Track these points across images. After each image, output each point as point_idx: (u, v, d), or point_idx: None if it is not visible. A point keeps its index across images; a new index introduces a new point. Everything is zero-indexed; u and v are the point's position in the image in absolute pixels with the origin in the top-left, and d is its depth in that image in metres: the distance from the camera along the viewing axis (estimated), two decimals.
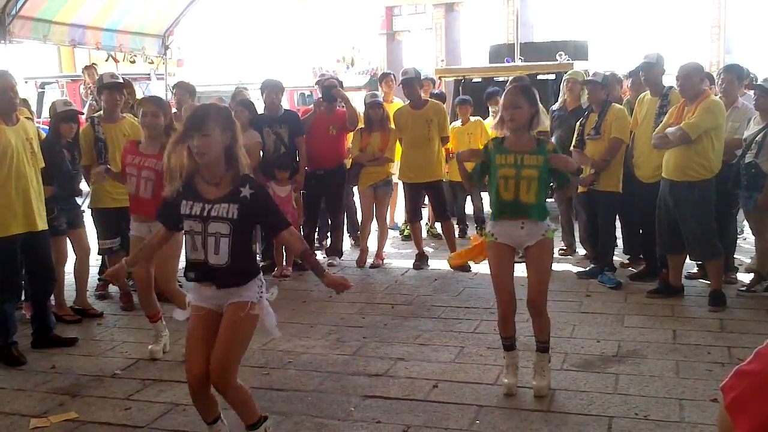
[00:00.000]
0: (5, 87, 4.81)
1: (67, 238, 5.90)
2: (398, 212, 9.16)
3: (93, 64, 10.20)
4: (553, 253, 4.33)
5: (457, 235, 7.87)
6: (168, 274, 4.79)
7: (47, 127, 6.22)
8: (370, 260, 7.47)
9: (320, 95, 7.58)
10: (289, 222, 3.38)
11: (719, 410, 1.34)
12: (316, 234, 7.92)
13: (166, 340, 4.98)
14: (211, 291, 3.25)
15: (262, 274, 3.42)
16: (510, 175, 4.07)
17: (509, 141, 4.16)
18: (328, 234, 7.93)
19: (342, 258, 7.69)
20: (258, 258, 6.90)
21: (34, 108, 10.10)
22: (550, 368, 4.27)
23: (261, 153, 7.08)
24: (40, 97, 14.52)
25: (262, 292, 3.31)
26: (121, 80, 6.43)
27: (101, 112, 6.26)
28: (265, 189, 3.32)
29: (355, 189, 7.75)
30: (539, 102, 4.18)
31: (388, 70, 10.01)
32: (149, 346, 4.93)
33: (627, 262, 6.98)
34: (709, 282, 5.86)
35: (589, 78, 6.74)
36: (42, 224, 5.01)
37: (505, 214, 4.12)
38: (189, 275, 3.31)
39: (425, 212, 8.36)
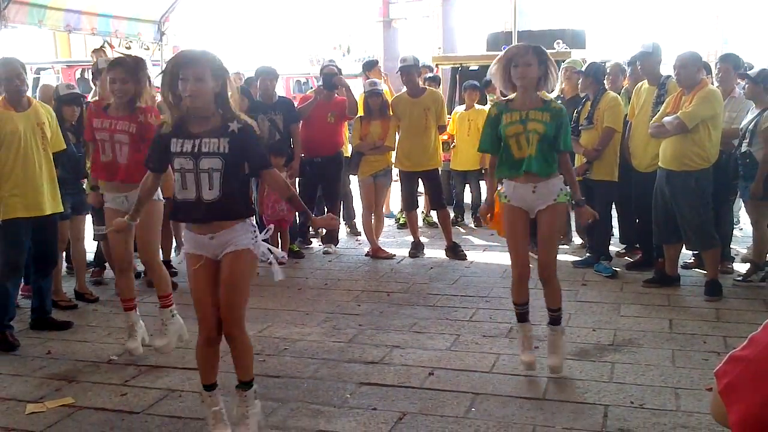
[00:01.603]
0: (12, 74, 4.82)
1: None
2: (394, 200, 9.15)
3: (102, 47, 10.07)
4: (565, 216, 4.23)
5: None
6: (151, 245, 4.62)
7: None
8: (366, 248, 7.46)
9: (320, 82, 7.54)
10: (271, 163, 3.40)
11: (713, 395, 1.34)
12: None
13: (144, 333, 4.74)
14: (208, 240, 3.29)
15: (254, 218, 3.44)
16: (519, 131, 4.04)
17: (516, 102, 4.13)
18: None
19: (338, 245, 7.68)
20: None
21: (29, 93, 10.03)
22: (564, 342, 4.27)
23: None
24: (36, 82, 14.44)
25: (255, 237, 3.33)
26: None
27: (96, 97, 6.22)
28: (252, 127, 3.30)
29: (353, 178, 7.71)
30: (550, 65, 4.09)
31: (377, 57, 9.95)
32: (125, 344, 4.68)
33: (623, 251, 6.99)
34: (705, 272, 5.87)
35: (578, 69, 6.76)
36: (51, 208, 5.02)
37: (516, 172, 4.07)
38: (179, 216, 3.35)
39: (421, 200, 8.34)
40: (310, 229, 7.85)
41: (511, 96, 4.22)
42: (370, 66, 8.86)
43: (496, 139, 4.17)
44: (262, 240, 3.38)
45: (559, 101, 7.24)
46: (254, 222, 3.40)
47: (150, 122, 4.61)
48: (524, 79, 4.02)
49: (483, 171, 8.00)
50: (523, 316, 4.29)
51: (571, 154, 4.56)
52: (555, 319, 4.25)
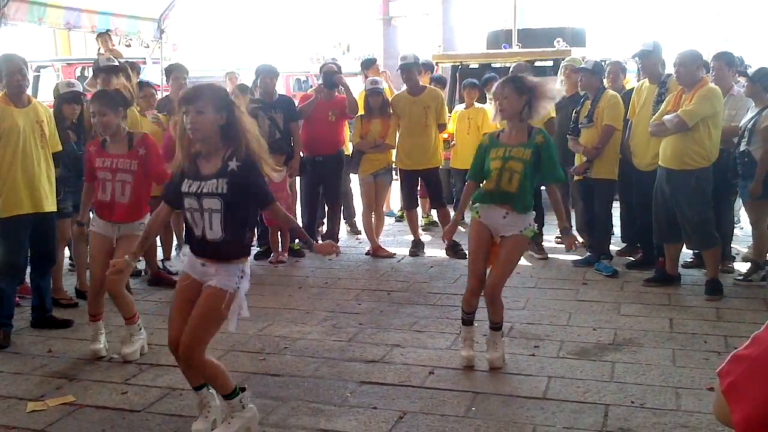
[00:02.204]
0: (13, 70, 4.82)
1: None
2: (393, 199, 9.15)
3: (108, 30, 10.04)
4: (523, 252, 4.48)
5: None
6: (122, 274, 4.45)
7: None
8: (366, 247, 7.46)
9: (320, 81, 7.53)
10: (273, 198, 3.45)
11: (715, 395, 1.33)
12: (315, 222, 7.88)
13: (144, 342, 4.74)
14: (200, 266, 3.37)
15: (248, 263, 3.47)
16: (497, 167, 4.23)
17: (504, 134, 4.32)
18: (324, 221, 7.91)
19: (338, 244, 7.66)
20: (254, 244, 6.88)
21: (29, 91, 10.04)
22: (503, 342, 4.44)
23: None
24: (36, 80, 14.44)
25: (240, 282, 3.37)
26: (116, 63, 6.38)
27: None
28: (253, 163, 3.32)
29: (354, 176, 7.70)
30: (535, 89, 4.19)
31: (377, 56, 9.93)
32: (90, 346, 4.70)
33: (624, 250, 6.98)
34: (705, 271, 5.87)
35: (581, 66, 6.73)
36: (49, 206, 5.02)
37: (490, 201, 4.27)
38: (191, 246, 3.45)
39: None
40: (319, 229, 7.83)
41: (501, 128, 4.40)
42: (368, 64, 8.86)
43: (482, 170, 4.35)
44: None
45: (560, 100, 7.27)
46: (245, 268, 3.42)
47: (152, 155, 4.62)
48: (503, 112, 4.22)
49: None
50: (468, 321, 4.48)
51: (563, 183, 4.73)
52: (496, 328, 4.39)
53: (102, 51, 9.78)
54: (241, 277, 3.37)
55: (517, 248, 4.30)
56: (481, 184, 4.40)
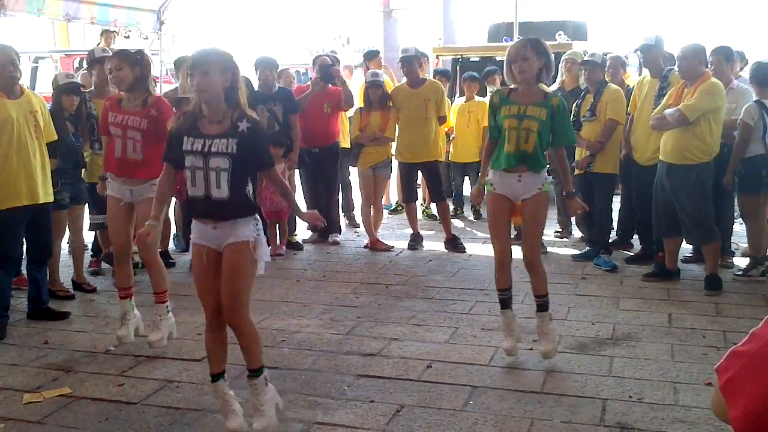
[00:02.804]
0: (5, 61, 4.80)
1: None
2: (393, 192, 9.13)
3: (114, 30, 10.01)
4: (548, 207, 4.38)
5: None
6: (151, 243, 4.46)
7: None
8: (364, 240, 7.45)
9: (317, 74, 7.50)
10: (273, 163, 3.48)
11: (714, 391, 1.32)
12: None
13: (138, 322, 4.74)
14: (211, 230, 3.36)
15: (258, 214, 3.49)
16: (513, 126, 4.12)
17: (516, 93, 4.21)
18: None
19: (339, 236, 7.67)
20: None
21: (27, 83, 10.01)
22: (553, 330, 4.33)
23: None
24: (34, 71, 14.39)
25: (258, 231, 3.41)
26: (112, 54, 6.32)
27: (92, 88, 6.18)
28: (262, 126, 3.39)
29: (353, 169, 7.68)
30: (550, 54, 4.15)
31: (377, 48, 9.87)
32: (117, 332, 4.66)
33: (616, 243, 6.94)
34: (705, 266, 5.85)
35: (587, 58, 6.69)
36: (45, 197, 5.01)
37: (507, 164, 4.15)
38: (195, 212, 3.45)
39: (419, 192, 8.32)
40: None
41: (514, 86, 4.26)
42: (370, 56, 8.83)
43: (498, 128, 4.26)
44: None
45: (560, 93, 7.25)
46: (257, 217, 3.45)
47: (163, 115, 4.60)
48: (523, 74, 4.11)
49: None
50: (505, 303, 4.39)
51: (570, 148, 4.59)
52: (542, 305, 4.31)
53: (101, 47, 9.74)
54: (257, 225, 3.41)
55: (541, 206, 4.23)
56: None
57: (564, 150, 4.34)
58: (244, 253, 3.34)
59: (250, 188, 3.39)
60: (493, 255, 4.43)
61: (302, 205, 7.75)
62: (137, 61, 4.60)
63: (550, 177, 4.32)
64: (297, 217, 3.66)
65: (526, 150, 4.11)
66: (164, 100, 4.80)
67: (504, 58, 4.23)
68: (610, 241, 6.68)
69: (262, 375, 3.46)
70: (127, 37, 11.08)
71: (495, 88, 7.53)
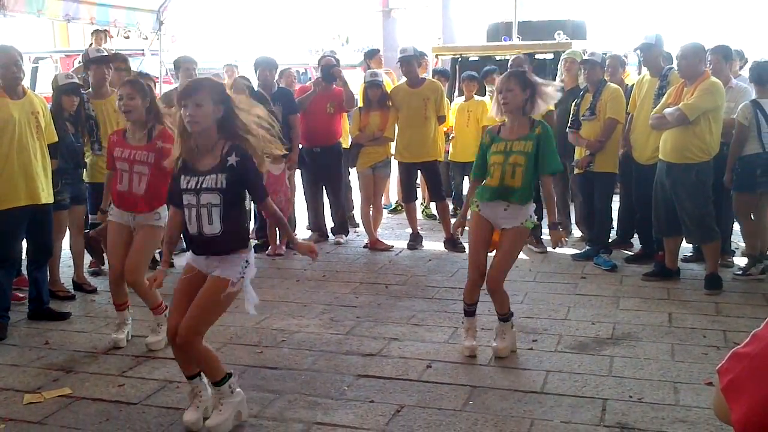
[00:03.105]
0: (9, 61, 4.81)
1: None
2: (392, 192, 9.13)
3: (106, 29, 9.99)
4: (524, 243, 4.48)
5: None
6: (140, 267, 4.56)
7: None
8: (364, 240, 7.45)
9: (318, 74, 7.50)
10: (266, 195, 3.48)
11: (715, 393, 1.32)
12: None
13: (130, 329, 4.81)
14: (202, 258, 3.42)
15: (251, 252, 3.52)
16: (498, 162, 4.24)
17: (505, 129, 4.32)
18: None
19: (348, 234, 7.70)
20: (251, 237, 6.86)
21: (27, 83, 9.99)
22: (513, 332, 4.46)
23: None
24: (34, 72, 14.38)
25: (245, 272, 3.42)
26: (107, 54, 6.32)
27: (90, 89, 6.17)
28: (251, 159, 3.37)
29: (352, 169, 7.67)
30: (537, 85, 4.24)
31: (377, 47, 9.86)
32: (112, 335, 4.76)
33: (613, 242, 6.95)
34: (705, 265, 5.85)
35: (587, 57, 6.69)
36: (45, 198, 5.02)
37: (491, 197, 4.27)
38: (190, 246, 3.51)
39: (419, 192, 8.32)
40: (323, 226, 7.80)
41: (503, 121, 4.38)
42: (371, 55, 8.82)
43: (485, 168, 4.36)
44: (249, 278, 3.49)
45: (559, 92, 7.24)
46: (249, 257, 3.47)
47: (167, 147, 4.58)
48: (507, 104, 4.22)
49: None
50: (470, 313, 4.49)
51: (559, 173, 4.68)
52: (504, 319, 4.43)
53: (93, 47, 9.73)
54: (246, 267, 3.43)
55: (518, 240, 4.31)
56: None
57: (550, 178, 4.38)
58: (219, 289, 3.36)
59: (243, 222, 3.45)
60: (491, 255, 4.41)
61: (302, 205, 7.79)
62: (148, 92, 4.64)
63: (534, 216, 4.39)
64: (292, 245, 3.65)
65: (512, 185, 4.19)
66: (168, 132, 4.75)
67: (502, 58, 4.32)
68: (609, 240, 6.68)
69: (225, 384, 3.51)
70: (127, 37, 11.08)
71: (493, 87, 7.56)
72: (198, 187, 3.29)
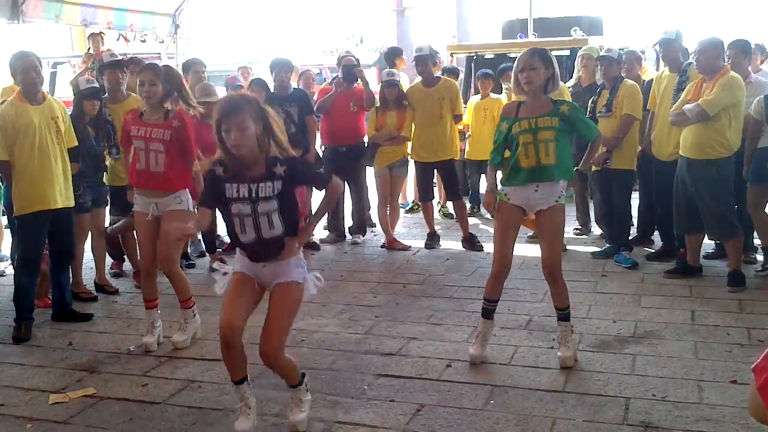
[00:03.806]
0: (28, 67, 4.86)
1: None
2: (408, 191, 9.12)
3: (101, 32, 10.06)
4: (565, 218, 4.30)
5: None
6: (172, 256, 4.68)
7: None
8: (381, 240, 7.45)
9: (339, 74, 7.50)
10: (330, 175, 3.45)
11: (750, 391, 1.30)
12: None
13: (160, 331, 4.81)
14: (261, 268, 3.36)
15: (300, 252, 3.48)
16: (528, 141, 4.10)
17: (525, 108, 4.18)
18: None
19: (366, 234, 7.71)
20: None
21: (46, 87, 10.08)
22: (574, 338, 4.33)
23: None
24: (53, 77, 14.52)
25: (304, 272, 3.41)
26: (120, 58, 6.36)
27: (105, 94, 6.22)
28: (294, 158, 3.37)
29: (369, 169, 7.67)
30: (555, 65, 4.17)
31: (388, 47, 9.83)
32: (143, 338, 4.76)
33: (634, 240, 6.90)
34: (727, 262, 5.79)
35: (603, 54, 6.65)
36: (64, 202, 5.06)
37: (527, 180, 4.13)
38: (246, 252, 3.40)
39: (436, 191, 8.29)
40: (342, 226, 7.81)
41: (522, 99, 4.26)
42: (396, 53, 8.69)
43: (504, 152, 4.28)
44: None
45: (576, 89, 7.21)
46: (301, 256, 3.46)
47: (186, 126, 4.65)
48: (531, 84, 4.10)
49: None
50: (488, 313, 4.36)
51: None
52: (564, 317, 4.28)
53: (92, 50, 9.80)
54: (303, 266, 3.42)
55: (559, 218, 4.18)
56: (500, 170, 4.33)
57: (598, 139, 4.39)
58: (295, 293, 3.36)
59: (296, 217, 3.39)
60: None
61: (315, 206, 7.77)
62: (167, 78, 4.70)
63: (565, 192, 4.29)
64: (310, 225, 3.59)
65: (547, 163, 4.08)
66: (185, 113, 4.82)
67: (513, 66, 4.22)
68: (630, 238, 6.64)
69: (302, 383, 3.53)
70: (143, 41, 11.17)
71: (509, 85, 7.53)
72: (253, 196, 3.23)
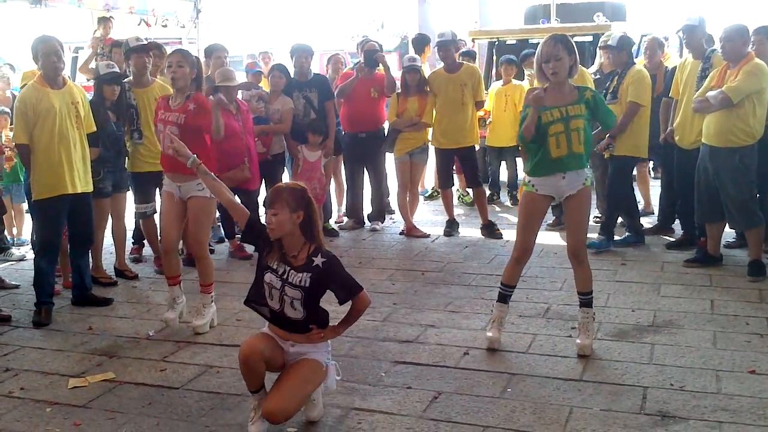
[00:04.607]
0: (48, 51, 4.89)
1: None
2: (428, 178, 9.10)
3: (110, 16, 10.06)
4: (591, 199, 4.30)
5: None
6: (201, 240, 4.80)
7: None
8: (400, 227, 7.45)
9: (360, 59, 7.48)
10: (361, 286, 3.48)
11: None
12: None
13: (183, 308, 4.90)
14: (289, 345, 3.43)
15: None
16: (560, 131, 4.07)
17: (549, 96, 4.13)
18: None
19: (385, 221, 7.73)
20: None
21: (68, 72, 10.14)
22: (594, 327, 4.31)
23: None
24: (74, 61, 14.61)
25: (329, 359, 3.51)
26: (146, 43, 6.36)
27: (131, 77, 6.25)
28: (336, 258, 3.45)
29: (389, 155, 7.64)
30: (576, 51, 4.16)
31: (410, 33, 9.74)
32: (165, 314, 4.85)
33: (653, 228, 6.86)
34: (748, 251, 5.72)
35: (607, 43, 6.61)
36: (83, 187, 5.11)
37: (554, 170, 4.11)
38: (256, 307, 3.53)
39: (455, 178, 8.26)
40: (361, 210, 7.82)
41: (545, 86, 4.21)
42: (425, 42, 8.53)
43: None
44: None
45: (598, 77, 7.13)
46: (329, 348, 3.55)
47: (201, 109, 4.69)
48: (556, 74, 4.08)
49: (519, 148, 7.88)
50: (505, 298, 4.39)
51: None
52: (587, 302, 4.26)
53: (98, 35, 9.82)
54: (329, 351, 3.53)
55: (586, 202, 4.19)
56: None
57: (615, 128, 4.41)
58: (319, 372, 3.41)
59: (324, 312, 3.48)
60: None
61: (343, 190, 7.80)
62: (195, 63, 4.82)
63: (590, 173, 4.27)
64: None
65: (578, 151, 4.07)
66: (203, 97, 4.89)
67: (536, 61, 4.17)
68: (645, 227, 6.57)
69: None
70: (165, 26, 11.18)
71: (531, 71, 7.45)
72: (284, 277, 3.35)
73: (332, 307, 3.53)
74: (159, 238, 6.32)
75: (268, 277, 3.40)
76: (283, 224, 3.31)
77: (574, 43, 4.15)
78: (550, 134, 4.07)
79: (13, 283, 5.90)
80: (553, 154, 4.08)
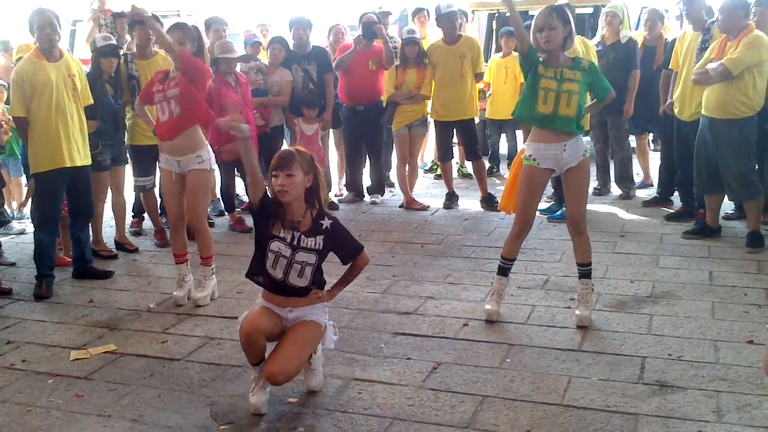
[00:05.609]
0: (43, 23, 4.85)
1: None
2: (427, 151, 9.08)
3: None
4: (590, 170, 4.31)
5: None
6: (198, 211, 4.79)
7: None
8: (399, 200, 7.45)
9: (360, 31, 7.42)
10: (362, 245, 3.53)
11: (765, 350, 1.30)
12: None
13: (191, 285, 4.90)
14: (286, 312, 3.43)
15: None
16: (551, 87, 4.06)
17: (547, 60, 4.14)
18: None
19: (384, 194, 7.73)
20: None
21: (66, 45, 10.04)
22: (594, 298, 4.33)
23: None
24: (72, 34, 14.49)
25: (327, 318, 3.53)
26: (152, 15, 6.31)
27: (134, 49, 6.21)
28: (337, 219, 3.49)
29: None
30: (572, 22, 4.13)
31: (410, 6, 9.64)
32: (173, 293, 4.86)
33: (651, 201, 6.88)
34: (747, 223, 5.73)
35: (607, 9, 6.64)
36: (82, 160, 5.10)
37: (544, 126, 4.10)
38: (258, 280, 3.50)
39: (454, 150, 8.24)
40: (361, 185, 7.81)
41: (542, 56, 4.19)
42: (416, 13, 8.57)
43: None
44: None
45: (600, 48, 7.08)
46: (326, 309, 3.57)
47: (184, 51, 4.67)
48: (549, 43, 4.06)
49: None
50: (504, 271, 4.41)
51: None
52: (586, 273, 4.29)
53: (96, 6, 9.70)
54: (326, 312, 3.56)
55: (586, 172, 4.20)
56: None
57: (609, 99, 4.30)
58: (318, 333, 3.44)
59: (322, 274, 3.50)
60: None
61: (341, 165, 7.82)
62: (195, 38, 4.82)
63: (588, 146, 4.29)
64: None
65: (567, 114, 4.05)
66: (188, 54, 4.81)
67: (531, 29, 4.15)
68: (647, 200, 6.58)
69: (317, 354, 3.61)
70: None
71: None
72: (295, 243, 3.34)
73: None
74: (159, 211, 6.33)
75: (275, 245, 3.37)
76: (297, 186, 3.30)
77: (570, 14, 4.11)
78: (540, 87, 4.07)
79: (10, 260, 5.89)
80: (538, 108, 4.09)
